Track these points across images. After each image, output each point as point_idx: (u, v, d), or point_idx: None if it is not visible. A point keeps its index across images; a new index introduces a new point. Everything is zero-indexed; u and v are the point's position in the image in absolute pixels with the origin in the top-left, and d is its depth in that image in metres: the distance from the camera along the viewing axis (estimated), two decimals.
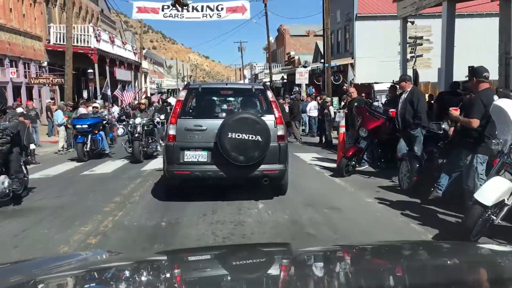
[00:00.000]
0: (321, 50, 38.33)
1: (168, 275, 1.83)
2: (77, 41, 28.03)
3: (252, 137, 6.72)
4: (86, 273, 1.82)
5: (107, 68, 30.62)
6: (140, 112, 13.23)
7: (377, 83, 20.75)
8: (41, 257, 3.41)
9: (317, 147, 15.68)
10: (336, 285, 1.64)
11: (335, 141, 15.67)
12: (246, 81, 71.51)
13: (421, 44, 20.51)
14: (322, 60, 23.10)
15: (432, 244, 3.21)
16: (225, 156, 6.82)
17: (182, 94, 7.67)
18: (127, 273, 1.82)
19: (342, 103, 16.04)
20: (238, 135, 6.71)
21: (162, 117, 13.59)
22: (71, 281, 1.74)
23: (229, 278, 1.72)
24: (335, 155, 12.90)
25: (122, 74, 34.60)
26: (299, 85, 27.37)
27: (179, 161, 7.02)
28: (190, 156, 7.02)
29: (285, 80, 35.44)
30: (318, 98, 19.69)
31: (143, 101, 15.95)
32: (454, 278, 1.63)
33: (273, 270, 1.85)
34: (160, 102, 24.09)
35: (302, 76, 26.24)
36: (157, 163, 11.79)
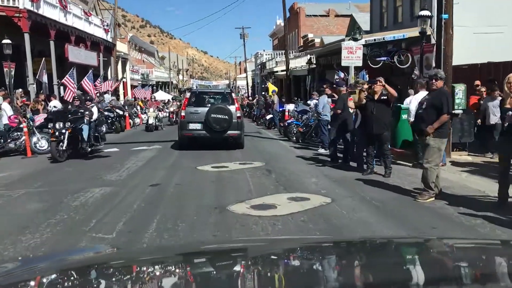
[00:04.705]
0: (360, 24, 28.25)
1: (169, 272, 1.77)
2: None
3: (224, 117, 13.36)
4: (86, 270, 1.80)
5: (51, 43, 20.61)
6: None
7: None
8: (41, 255, 3.19)
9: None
10: (355, 279, 1.59)
11: None
12: (249, 73, 61.60)
13: None
14: (423, 13, 12.00)
15: (436, 241, 2.88)
16: (209, 126, 13.39)
17: (188, 94, 15.86)
18: (126, 269, 1.80)
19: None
20: (217, 115, 13.33)
21: None
22: (71, 277, 1.69)
23: (233, 276, 1.67)
24: None
25: (81, 55, 24.40)
26: (344, 69, 17.47)
27: (186, 129, 13.74)
28: (192, 126, 13.66)
29: (313, 65, 25.24)
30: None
31: None
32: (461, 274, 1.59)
33: (287, 266, 1.78)
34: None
35: (352, 55, 16.15)
36: None
